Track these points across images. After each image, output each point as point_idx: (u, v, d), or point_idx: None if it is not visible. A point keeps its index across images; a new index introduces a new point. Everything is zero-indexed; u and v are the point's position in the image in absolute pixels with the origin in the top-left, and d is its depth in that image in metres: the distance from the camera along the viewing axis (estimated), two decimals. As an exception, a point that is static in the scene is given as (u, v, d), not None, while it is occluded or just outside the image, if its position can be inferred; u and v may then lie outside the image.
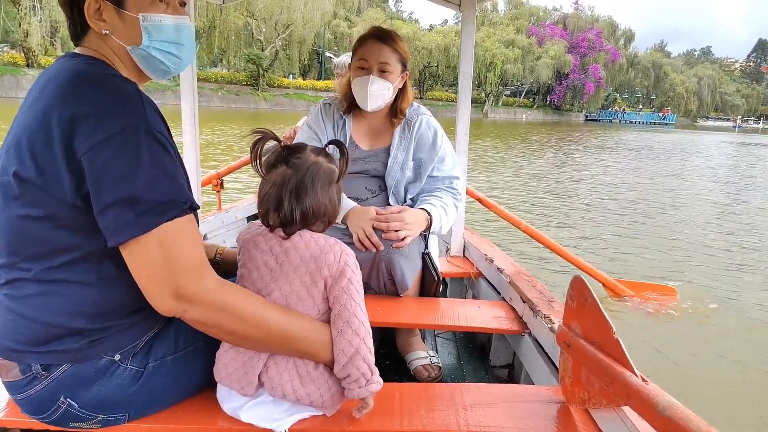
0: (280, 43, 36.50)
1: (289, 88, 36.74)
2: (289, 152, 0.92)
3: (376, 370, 0.91)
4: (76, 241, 0.78)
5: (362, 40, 1.51)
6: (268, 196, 0.90)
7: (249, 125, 17.53)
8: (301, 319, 0.89)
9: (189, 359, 0.94)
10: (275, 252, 0.91)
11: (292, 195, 0.88)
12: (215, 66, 39.03)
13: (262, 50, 35.41)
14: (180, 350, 0.93)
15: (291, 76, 39.11)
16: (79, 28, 0.84)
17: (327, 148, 0.96)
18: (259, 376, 0.90)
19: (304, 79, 40.58)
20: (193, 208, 0.80)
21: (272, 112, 31.90)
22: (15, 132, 0.78)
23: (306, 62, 41.68)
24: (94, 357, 0.84)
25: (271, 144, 0.94)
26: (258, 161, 0.91)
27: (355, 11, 47.72)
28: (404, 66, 1.53)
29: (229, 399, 0.94)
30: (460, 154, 1.97)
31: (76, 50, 0.86)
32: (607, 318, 0.90)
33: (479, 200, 2.83)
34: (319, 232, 0.94)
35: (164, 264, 0.75)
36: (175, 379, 0.93)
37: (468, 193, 2.15)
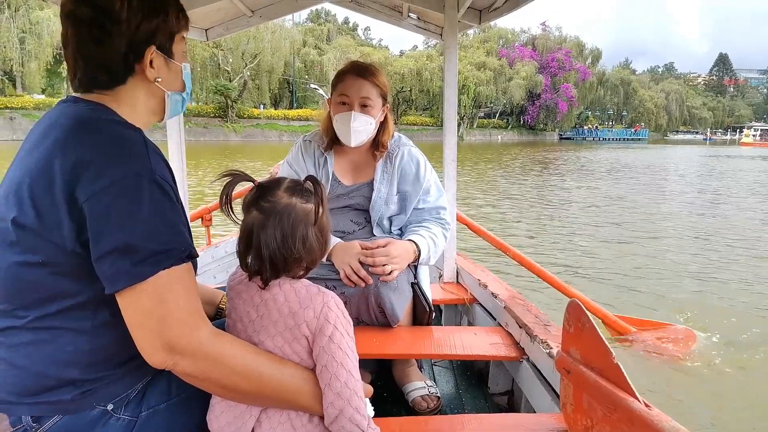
0: (248, 73, 36.93)
1: (259, 118, 36.93)
2: (261, 194, 0.88)
3: (368, 426, 0.89)
4: (74, 288, 0.78)
5: (341, 75, 1.54)
6: (242, 242, 0.89)
7: (218, 162, 17.21)
8: (294, 370, 0.87)
9: (183, 406, 0.93)
10: (255, 303, 0.90)
11: (261, 243, 0.85)
12: (181, 98, 39.04)
13: (230, 81, 35.71)
14: (173, 397, 0.92)
15: (262, 106, 39.41)
16: (120, 76, 0.85)
17: (305, 183, 0.93)
18: (252, 430, 0.88)
19: (275, 109, 40.92)
20: (191, 256, 0.80)
21: (243, 143, 31.80)
22: (13, 178, 0.79)
23: (276, 92, 42.17)
24: (86, 408, 0.83)
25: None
26: (229, 206, 0.89)
27: (325, 39, 48.96)
28: (385, 99, 1.58)
29: None
30: (448, 180, 2.03)
31: (77, 95, 0.86)
32: (606, 343, 0.92)
33: (468, 225, 2.86)
34: (299, 277, 0.91)
35: (158, 314, 0.75)
36: (168, 428, 0.92)
37: (457, 218, 2.19)
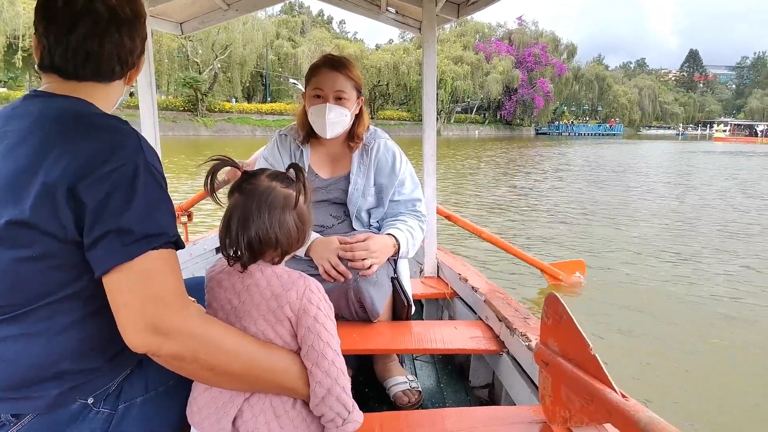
0: (219, 66, 36.16)
1: (231, 112, 36.24)
2: (245, 179, 0.92)
3: (353, 408, 0.91)
4: (67, 280, 0.80)
5: (315, 68, 1.56)
6: (222, 225, 0.91)
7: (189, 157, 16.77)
8: (280, 350, 0.89)
9: (160, 400, 0.94)
10: (237, 289, 0.91)
11: (239, 223, 0.87)
12: (148, 91, 37.92)
13: (200, 73, 34.89)
14: (150, 391, 0.93)
15: (234, 99, 38.68)
16: (123, 71, 0.92)
17: (288, 172, 0.96)
18: (234, 421, 0.88)
19: (248, 103, 40.23)
20: (178, 245, 0.83)
21: (214, 138, 31.20)
22: None
23: (249, 85, 41.46)
24: (69, 402, 0.84)
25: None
26: (212, 188, 0.92)
27: (299, 31, 48.39)
28: (359, 92, 1.59)
29: None
30: (428, 175, 2.06)
31: (49, 89, 0.88)
32: (584, 335, 0.94)
33: (447, 217, 2.93)
34: (275, 263, 0.93)
35: (144, 293, 0.76)
36: (146, 422, 0.92)
37: (438, 212, 2.23)
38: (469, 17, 2.63)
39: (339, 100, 1.52)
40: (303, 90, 1.63)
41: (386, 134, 1.71)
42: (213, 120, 34.21)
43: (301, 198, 0.92)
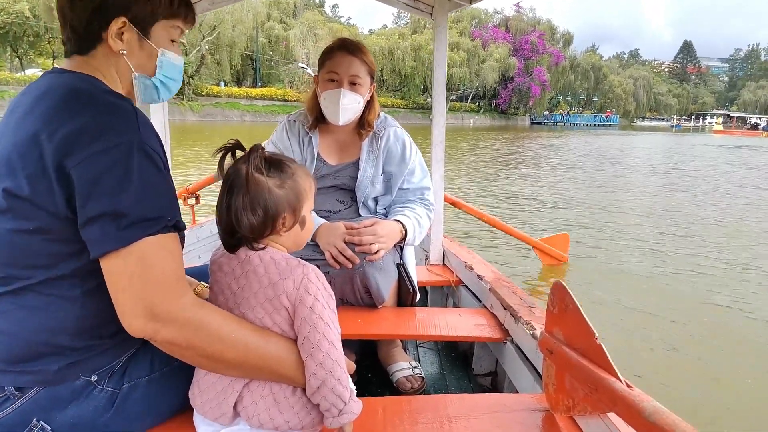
0: (206, 47, 35.47)
1: (220, 96, 35.58)
2: (234, 163, 0.90)
3: (350, 399, 0.91)
4: (65, 255, 0.80)
5: (330, 52, 1.54)
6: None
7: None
8: (277, 339, 0.90)
9: (165, 381, 0.96)
10: (237, 275, 0.92)
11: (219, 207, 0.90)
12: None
13: (186, 54, 34.19)
14: (155, 371, 0.95)
15: (222, 83, 38.04)
16: (88, 42, 0.88)
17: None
18: (235, 405, 0.90)
19: (238, 87, 39.59)
20: (178, 227, 0.83)
21: (201, 123, 30.67)
22: (3, 149, 0.81)
23: (239, 68, 40.79)
24: (71, 378, 0.86)
25: None
26: (221, 174, 0.91)
27: (291, 13, 47.59)
28: (372, 78, 1.58)
29: (204, 424, 0.93)
30: (436, 162, 2.08)
31: (64, 65, 0.89)
32: (589, 324, 0.96)
33: (453, 204, 2.96)
34: (256, 249, 0.90)
35: (141, 278, 0.76)
36: (150, 402, 0.94)
37: (445, 199, 2.25)
38: (481, 2, 2.59)
39: (353, 85, 1.51)
40: (312, 74, 1.61)
41: (396, 122, 1.71)
42: (200, 104, 33.56)
43: (268, 182, 0.86)
